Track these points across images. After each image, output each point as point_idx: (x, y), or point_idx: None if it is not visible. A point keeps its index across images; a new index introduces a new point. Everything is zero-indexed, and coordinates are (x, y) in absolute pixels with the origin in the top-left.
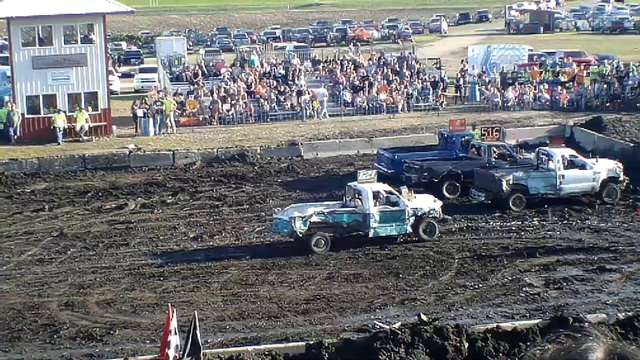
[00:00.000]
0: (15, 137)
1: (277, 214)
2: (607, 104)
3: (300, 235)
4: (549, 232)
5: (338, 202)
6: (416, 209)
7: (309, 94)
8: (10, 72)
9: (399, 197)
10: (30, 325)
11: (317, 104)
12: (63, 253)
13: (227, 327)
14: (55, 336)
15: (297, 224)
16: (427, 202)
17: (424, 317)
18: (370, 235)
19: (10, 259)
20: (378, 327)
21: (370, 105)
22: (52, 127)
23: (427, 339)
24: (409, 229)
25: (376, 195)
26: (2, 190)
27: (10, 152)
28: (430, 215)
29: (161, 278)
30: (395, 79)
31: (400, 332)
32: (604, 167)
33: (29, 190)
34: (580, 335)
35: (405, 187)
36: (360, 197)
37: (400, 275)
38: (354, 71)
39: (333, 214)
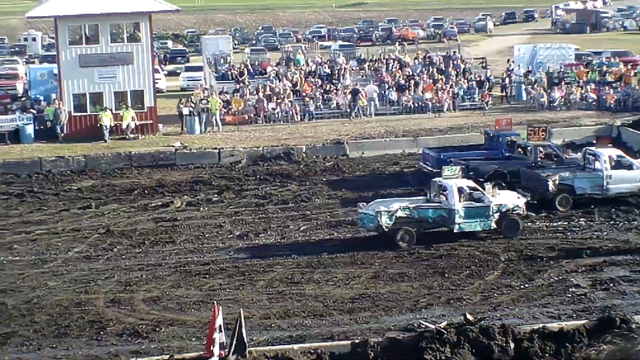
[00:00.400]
0: (62, 134)
1: (363, 208)
2: None
3: (386, 230)
4: (595, 233)
5: (422, 197)
6: (500, 205)
7: (354, 92)
8: (57, 71)
9: (483, 193)
10: (77, 321)
11: (363, 102)
12: (109, 250)
13: (273, 325)
14: (101, 333)
15: (383, 219)
16: (511, 199)
17: (469, 317)
18: (455, 230)
19: (58, 255)
20: (424, 326)
21: (416, 104)
22: (98, 125)
23: (473, 338)
24: (494, 225)
25: (461, 191)
26: (49, 187)
27: (57, 149)
28: (515, 212)
29: (207, 276)
30: (441, 78)
31: (445, 332)
32: None
33: (75, 188)
34: (634, 336)
35: (489, 183)
36: (445, 192)
37: (446, 275)
38: (400, 70)
39: (418, 209)
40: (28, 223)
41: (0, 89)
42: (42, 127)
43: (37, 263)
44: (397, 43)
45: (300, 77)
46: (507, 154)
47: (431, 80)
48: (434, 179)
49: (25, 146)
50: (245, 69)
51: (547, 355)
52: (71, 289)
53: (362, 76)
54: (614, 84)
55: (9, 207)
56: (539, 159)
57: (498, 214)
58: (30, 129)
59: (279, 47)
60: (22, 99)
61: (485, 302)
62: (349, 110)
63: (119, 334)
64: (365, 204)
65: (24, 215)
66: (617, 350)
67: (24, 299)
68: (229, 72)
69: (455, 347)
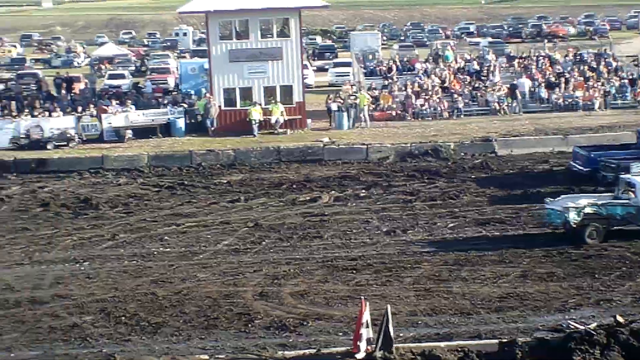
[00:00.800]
0: (212, 128)
1: (550, 204)
2: None
3: (574, 226)
4: None
5: (610, 194)
6: None
7: (503, 90)
8: (208, 65)
9: None
10: (225, 313)
11: (510, 100)
12: (258, 244)
13: (419, 322)
14: (249, 325)
15: (571, 215)
16: None
17: (620, 319)
18: None
19: (207, 248)
20: (572, 327)
21: (566, 102)
22: (247, 120)
23: (623, 341)
24: None
25: None
26: (199, 180)
27: (207, 143)
28: None
29: (354, 271)
30: (592, 76)
31: (595, 333)
32: None
33: (225, 181)
34: None
35: None
36: (633, 189)
37: (596, 276)
38: (550, 67)
39: (606, 206)
40: (178, 215)
41: (152, 83)
42: (192, 121)
43: (187, 255)
44: (547, 40)
45: (448, 73)
46: None
47: (582, 78)
48: (621, 176)
49: (176, 139)
50: (393, 65)
51: None
52: (220, 281)
53: (512, 73)
54: None
55: (161, 200)
56: None
57: None
58: (181, 123)
59: (427, 43)
60: (174, 93)
61: (637, 304)
62: (497, 106)
63: (266, 327)
64: (552, 199)
65: (174, 207)
66: None
67: (174, 289)
68: (378, 68)
69: (604, 349)
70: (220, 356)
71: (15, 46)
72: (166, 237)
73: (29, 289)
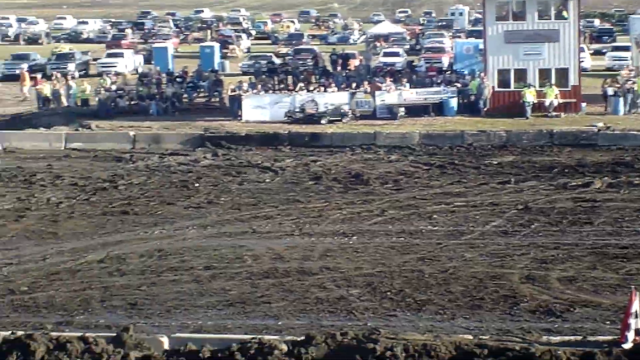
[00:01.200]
0: (485, 109)
1: None
2: None
3: None
4: None
5: None
6: None
7: None
8: (483, 46)
9: None
10: (491, 295)
11: None
12: (527, 227)
13: None
14: (514, 308)
15: None
16: None
17: None
18: None
19: (475, 228)
20: None
21: None
22: (521, 102)
23: None
24: None
25: None
26: (470, 160)
27: (479, 123)
28: None
29: (624, 259)
30: None
31: None
32: None
33: (495, 162)
34: None
35: None
36: None
37: None
38: None
39: None
40: (448, 194)
41: (426, 62)
42: (465, 101)
43: (454, 234)
44: None
45: None
46: None
47: None
48: None
49: (447, 119)
50: None
51: None
52: (487, 262)
53: None
54: None
55: (430, 178)
56: None
57: None
58: (453, 102)
59: None
60: (447, 72)
61: None
62: None
63: (532, 311)
64: None
65: (444, 186)
66: None
67: (440, 268)
68: None
69: None
70: (484, 337)
71: (293, 22)
72: (435, 216)
73: (298, 260)
